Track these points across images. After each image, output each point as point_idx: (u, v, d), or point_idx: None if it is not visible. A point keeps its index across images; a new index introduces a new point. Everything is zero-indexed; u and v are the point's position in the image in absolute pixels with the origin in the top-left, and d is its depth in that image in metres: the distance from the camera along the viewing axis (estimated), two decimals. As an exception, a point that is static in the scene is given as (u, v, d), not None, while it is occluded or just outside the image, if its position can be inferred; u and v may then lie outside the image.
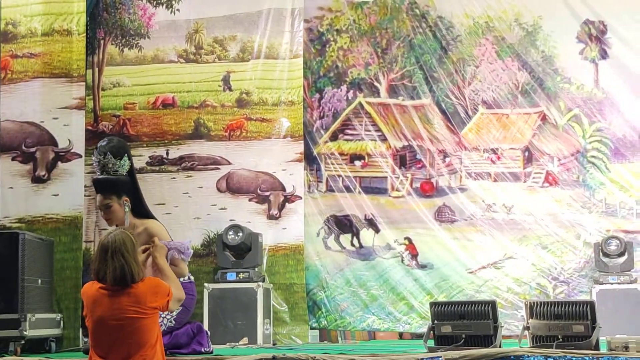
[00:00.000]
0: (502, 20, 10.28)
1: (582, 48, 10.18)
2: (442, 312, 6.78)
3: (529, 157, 10.22)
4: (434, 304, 6.96)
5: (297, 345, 9.56)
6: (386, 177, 10.39)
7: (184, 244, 6.73)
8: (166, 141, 10.45)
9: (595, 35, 10.14)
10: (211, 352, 7.04)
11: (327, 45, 10.61)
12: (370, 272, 10.26)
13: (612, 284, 9.30)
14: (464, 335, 6.55)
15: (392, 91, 10.46)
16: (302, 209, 10.25)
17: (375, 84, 10.50)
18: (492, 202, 10.17)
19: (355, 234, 10.35)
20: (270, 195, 10.24)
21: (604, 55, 10.13)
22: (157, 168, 10.39)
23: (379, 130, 10.45)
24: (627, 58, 10.04)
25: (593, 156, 10.07)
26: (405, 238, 10.24)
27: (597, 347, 6.28)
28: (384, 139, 10.43)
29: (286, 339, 9.83)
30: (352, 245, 10.37)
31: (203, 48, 10.54)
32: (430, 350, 6.55)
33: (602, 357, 5.83)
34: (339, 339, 10.20)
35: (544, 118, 10.22)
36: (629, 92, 10.03)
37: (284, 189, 10.25)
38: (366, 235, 10.35)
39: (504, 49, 10.29)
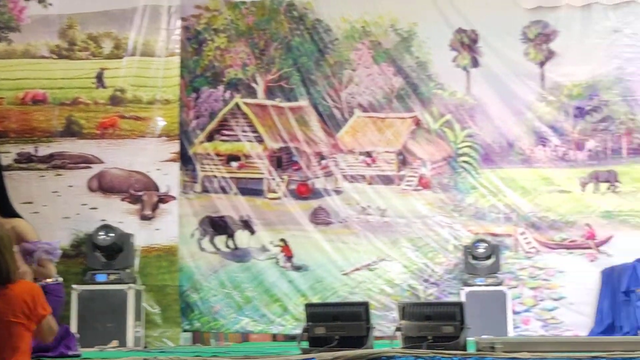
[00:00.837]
0: (378, 25, 10.42)
1: (455, 55, 10.43)
2: (316, 313, 6.79)
3: (403, 160, 10.39)
4: (308, 306, 6.97)
5: (169, 348, 9.44)
6: (262, 179, 10.37)
7: (52, 244, 6.53)
8: (35, 138, 10.13)
9: (467, 44, 10.40)
10: (79, 356, 6.86)
11: (204, 45, 10.50)
12: (245, 273, 10.21)
13: (479, 285, 9.56)
14: (337, 337, 6.58)
15: (270, 92, 10.45)
16: (176, 209, 10.11)
17: (253, 84, 10.47)
18: (366, 204, 10.29)
19: (230, 235, 10.28)
20: (143, 195, 10.07)
21: (475, 63, 10.40)
22: (25, 165, 10.05)
23: (255, 131, 10.42)
24: (497, 67, 10.34)
25: (464, 161, 10.32)
26: (281, 240, 10.24)
27: (465, 347, 6.42)
28: (260, 140, 10.40)
29: (158, 341, 9.68)
30: (227, 246, 10.30)
31: (76, 44, 10.27)
32: (304, 351, 6.55)
33: (469, 358, 5.95)
34: (212, 341, 10.12)
35: (417, 123, 10.41)
36: (499, 100, 10.33)
37: (157, 189, 10.09)
38: (241, 236, 10.30)
39: (380, 54, 10.43)
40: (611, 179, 10.14)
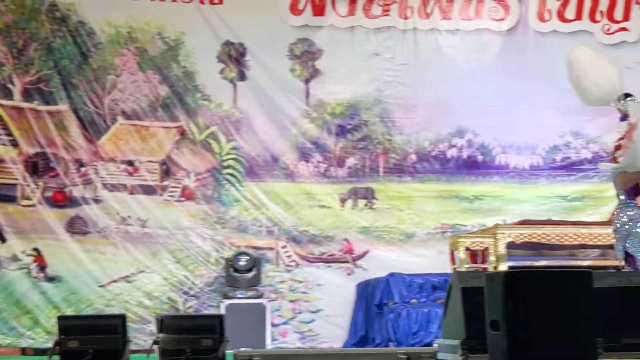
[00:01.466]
0: (145, 32, 10.22)
1: (222, 68, 10.42)
2: (70, 326, 6.52)
3: (166, 170, 10.23)
4: (61, 318, 6.70)
5: None
6: (16, 184, 9.88)
7: None
8: None
9: (235, 57, 10.43)
10: None
11: (-44, 41, 9.88)
12: (-6, 284, 9.68)
13: (240, 298, 9.58)
14: (91, 350, 6.35)
15: (27, 95, 9.96)
16: None
17: (9, 85, 9.94)
18: (127, 214, 10.04)
19: (-22, 243, 9.70)
20: None
21: (242, 76, 10.44)
22: None
23: (10, 134, 9.92)
24: (263, 81, 10.44)
25: (229, 173, 10.32)
26: (34, 249, 9.80)
27: (223, 360, 6.39)
28: (15, 144, 9.91)
29: None
30: (-25, 255, 9.71)
31: None
32: (54, 366, 6.27)
33: (226, 370, 5.94)
34: (-49, 356, 9.49)
35: (183, 133, 10.30)
36: (264, 114, 10.43)
37: None
38: (-9, 245, 9.75)
39: (146, 61, 10.23)
40: (368, 195, 10.51)
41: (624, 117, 6.69)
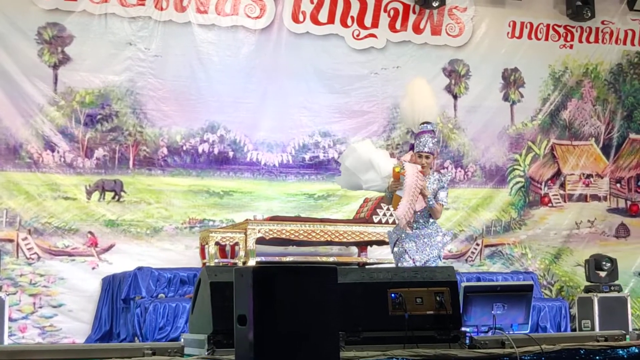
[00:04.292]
0: None
1: None
2: None
3: None
4: None
5: None
6: None
7: None
8: None
9: None
10: None
11: None
12: None
13: None
14: None
15: None
16: None
17: None
18: None
19: None
20: None
21: None
22: None
23: None
24: (8, 64, 9.99)
25: None
26: None
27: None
28: None
29: None
30: None
31: None
32: None
33: None
34: None
35: None
36: (7, 99, 10.00)
37: None
38: None
39: None
40: (117, 188, 10.27)
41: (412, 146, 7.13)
